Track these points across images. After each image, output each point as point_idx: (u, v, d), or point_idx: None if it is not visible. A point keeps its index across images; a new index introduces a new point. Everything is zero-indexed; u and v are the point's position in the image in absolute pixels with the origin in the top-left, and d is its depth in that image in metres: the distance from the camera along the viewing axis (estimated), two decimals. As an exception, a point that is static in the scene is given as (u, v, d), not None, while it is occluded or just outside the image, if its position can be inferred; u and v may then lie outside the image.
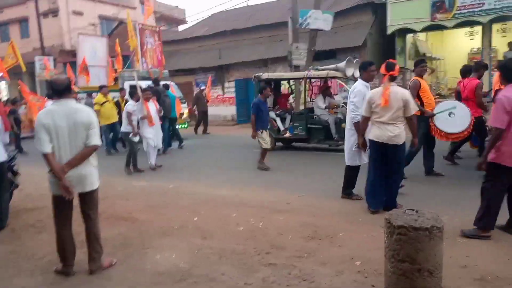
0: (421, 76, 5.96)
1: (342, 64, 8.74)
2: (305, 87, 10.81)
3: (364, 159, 5.05)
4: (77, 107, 3.26)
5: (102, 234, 3.49)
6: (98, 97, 10.23)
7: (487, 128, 6.21)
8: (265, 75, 10.07)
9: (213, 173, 7.47)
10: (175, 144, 10.91)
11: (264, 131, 7.47)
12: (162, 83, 11.25)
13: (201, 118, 14.32)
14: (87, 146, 3.20)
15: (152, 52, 14.25)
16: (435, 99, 6.58)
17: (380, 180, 4.61)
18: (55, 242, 3.35)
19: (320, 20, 13.05)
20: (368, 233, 3.98)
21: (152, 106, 7.99)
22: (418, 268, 2.51)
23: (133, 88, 8.67)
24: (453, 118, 5.66)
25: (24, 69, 13.15)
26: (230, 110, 18.58)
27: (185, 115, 13.22)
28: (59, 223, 3.31)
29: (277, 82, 10.92)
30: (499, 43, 14.23)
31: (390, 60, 4.70)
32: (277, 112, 9.95)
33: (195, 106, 14.32)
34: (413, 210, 2.75)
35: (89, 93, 12.16)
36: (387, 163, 4.58)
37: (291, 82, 11.60)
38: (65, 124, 3.12)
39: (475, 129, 6.00)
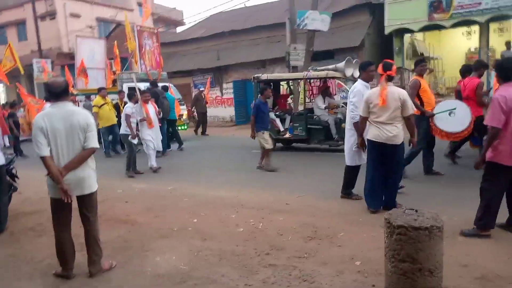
0: (421, 75, 5.97)
1: (341, 64, 8.75)
2: (304, 87, 10.81)
3: (364, 158, 5.05)
4: (74, 109, 3.26)
5: (101, 236, 3.48)
6: (96, 100, 10.22)
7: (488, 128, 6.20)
8: (264, 76, 10.07)
9: (212, 174, 7.46)
10: (174, 146, 10.90)
11: (265, 132, 7.48)
12: (161, 84, 11.25)
13: (200, 120, 14.33)
14: (85, 148, 3.19)
15: (151, 54, 14.24)
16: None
17: (379, 180, 4.61)
18: (54, 245, 3.34)
19: (317, 20, 13.07)
20: (368, 233, 3.98)
21: (151, 108, 7.98)
22: (418, 268, 2.51)
23: (131, 90, 8.65)
24: (454, 117, 5.66)
25: (22, 72, 13.13)
26: (228, 111, 18.58)
27: (184, 117, 13.22)
28: (58, 226, 3.29)
29: (276, 83, 10.92)
30: (496, 42, 14.28)
31: (387, 60, 4.70)
32: (277, 113, 9.94)
33: (194, 107, 14.33)
34: (413, 209, 2.75)
35: (88, 95, 12.15)
36: (386, 163, 4.58)
37: (290, 82, 11.61)
38: (63, 127, 3.12)
39: (476, 129, 6.00)
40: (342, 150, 5.51)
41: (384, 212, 3.55)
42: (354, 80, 8.17)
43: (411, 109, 4.57)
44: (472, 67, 6.60)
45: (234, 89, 17.46)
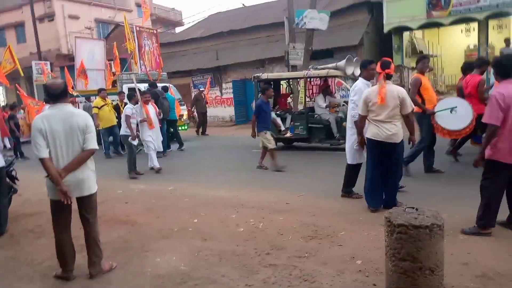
0: (422, 73, 5.96)
1: (342, 63, 8.74)
2: (305, 86, 10.80)
3: (364, 156, 5.03)
4: (73, 111, 3.25)
5: (101, 237, 3.48)
6: (96, 101, 10.21)
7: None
8: (264, 75, 10.06)
9: (212, 174, 7.46)
10: (174, 146, 10.89)
11: (267, 132, 7.46)
12: (161, 85, 11.24)
13: (201, 120, 14.33)
14: (84, 150, 3.19)
15: (150, 54, 14.22)
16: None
17: (379, 179, 4.60)
18: (54, 247, 3.33)
19: (316, 19, 13.07)
20: (368, 232, 3.97)
21: (152, 109, 7.98)
22: (419, 266, 2.50)
23: (131, 90, 8.65)
24: (455, 115, 5.64)
25: (22, 74, 13.13)
26: (228, 111, 18.58)
27: (184, 117, 13.23)
28: (58, 228, 3.29)
29: (276, 82, 10.91)
30: (495, 39, 14.26)
31: (385, 58, 4.70)
32: (277, 112, 9.93)
33: (194, 107, 14.33)
34: (413, 208, 2.75)
35: (88, 96, 12.14)
36: (385, 161, 4.57)
37: (290, 81, 11.60)
38: (61, 128, 3.11)
39: (478, 126, 5.98)
40: (343, 149, 5.50)
41: (385, 211, 3.55)
42: (354, 78, 8.16)
43: (410, 107, 4.56)
44: (474, 64, 6.60)
45: (233, 89, 17.46)
